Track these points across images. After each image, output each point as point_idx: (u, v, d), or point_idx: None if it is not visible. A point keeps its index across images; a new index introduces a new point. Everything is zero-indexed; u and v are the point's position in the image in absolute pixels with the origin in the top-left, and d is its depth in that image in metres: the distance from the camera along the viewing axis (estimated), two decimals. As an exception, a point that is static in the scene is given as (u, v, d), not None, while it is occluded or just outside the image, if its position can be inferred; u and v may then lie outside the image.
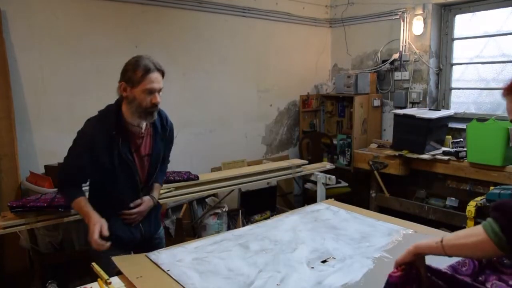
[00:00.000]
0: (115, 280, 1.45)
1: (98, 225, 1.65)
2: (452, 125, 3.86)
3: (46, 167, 2.90)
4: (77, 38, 3.18)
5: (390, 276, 1.08)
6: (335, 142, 4.56)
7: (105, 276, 1.43)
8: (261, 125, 4.52)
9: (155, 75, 1.77)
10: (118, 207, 1.84)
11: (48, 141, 3.10)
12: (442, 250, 1.04)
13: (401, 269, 1.09)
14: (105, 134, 1.74)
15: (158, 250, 1.72)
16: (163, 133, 1.96)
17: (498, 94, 3.79)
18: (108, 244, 1.65)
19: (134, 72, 1.74)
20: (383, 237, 1.77)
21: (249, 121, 4.38)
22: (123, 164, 1.78)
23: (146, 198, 1.93)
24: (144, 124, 1.86)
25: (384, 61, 4.36)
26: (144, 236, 1.95)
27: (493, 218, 0.95)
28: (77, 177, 1.83)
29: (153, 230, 2.02)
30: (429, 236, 1.16)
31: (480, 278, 1.14)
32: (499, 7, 3.65)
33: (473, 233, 0.98)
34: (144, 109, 1.76)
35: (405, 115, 3.70)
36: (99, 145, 1.74)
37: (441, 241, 1.03)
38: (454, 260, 1.16)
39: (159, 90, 1.80)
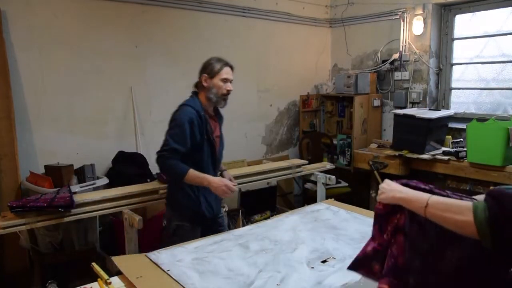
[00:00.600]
0: (115, 280, 1.45)
1: (221, 179, 2.15)
2: (452, 125, 3.86)
3: (46, 167, 2.90)
4: (77, 38, 3.18)
5: (376, 208, 1.21)
6: (335, 142, 4.56)
7: (105, 276, 1.43)
8: (261, 125, 4.52)
9: (228, 69, 2.27)
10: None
11: (48, 141, 3.11)
12: (423, 214, 1.02)
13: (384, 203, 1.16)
14: (197, 115, 2.17)
15: (158, 250, 1.72)
16: (221, 121, 2.43)
17: (498, 94, 3.80)
18: (236, 188, 2.24)
19: (214, 66, 2.24)
20: (383, 237, 1.77)
21: (249, 121, 4.38)
22: (208, 140, 2.21)
23: (228, 175, 2.44)
24: (223, 106, 2.32)
25: (384, 61, 4.36)
26: (215, 213, 2.33)
27: (487, 204, 0.91)
28: (182, 152, 2.12)
29: (219, 207, 2.40)
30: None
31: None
32: (499, 7, 3.65)
33: (461, 211, 0.94)
34: (221, 95, 2.24)
35: (405, 115, 3.70)
36: (195, 124, 2.15)
37: (426, 206, 1.01)
38: None
39: (231, 81, 2.28)
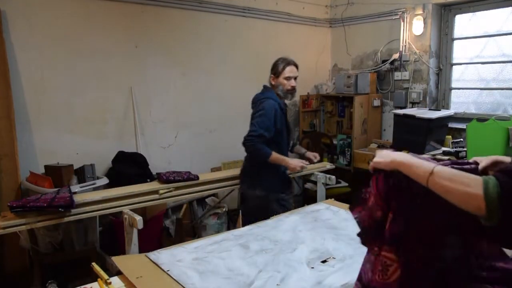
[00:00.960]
0: (115, 280, 1.45)
1: (296, 160, 2.66)
2: (452, 125, 3.86)
3: (46, 167, 2.90)
4: (77, 38, 3.18)
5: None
6: (335, 142, 4.55)
7: (105, 276, 1.43)
8: (261, 125, 4.51)
9: (291, 67, 2.68)
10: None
11: (48, 141, 3.11)
12: (426, 183, 0.93)
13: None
14: (278, 106, 2.63)
15: (158, 250, 1.72)
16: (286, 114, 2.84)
17: (498, 94, 3.80)
18: (306, 166, 2.77)
19: (278, 66, 2.69)
20: (383, 237, 1.77)
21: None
22: (287, 127, 2.71)
23: (309, 154, 3.03)
24: (290, 100, 2.86)
25: (384, 61, 4.36)
26: (289, 190, 2.88)
27: (498, 180, 0.84)
28: (266, 138, 2.57)
29: (291, 187, 3.03)
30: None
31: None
32: (499, 7, 3.65)
33: (470, 183, 0.86)
34: (286, 91, 2.69)
35: (405, 115, 3.70)
36: (277, 113, 2.60)
37: (431, 173, 0.92)
38: None
39: (295, 78, 2.70)
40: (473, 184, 0.86)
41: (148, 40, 3.55)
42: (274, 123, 2.58)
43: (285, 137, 2.72)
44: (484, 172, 1.07)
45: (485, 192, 0.83)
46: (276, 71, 2.69)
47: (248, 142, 2.58)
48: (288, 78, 2.66)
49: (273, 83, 2.72)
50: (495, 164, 1.06)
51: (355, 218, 1.15)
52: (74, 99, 3.22)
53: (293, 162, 2.65)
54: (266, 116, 2.57)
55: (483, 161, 1.09)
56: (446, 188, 0.90)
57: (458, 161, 1.09)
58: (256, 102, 2.71)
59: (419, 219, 1.02)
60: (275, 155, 2.57)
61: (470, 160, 1.14)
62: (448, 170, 0.92)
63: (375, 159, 1.08)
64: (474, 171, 1.05)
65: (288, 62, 2.67)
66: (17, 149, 2.83)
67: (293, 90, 2.70)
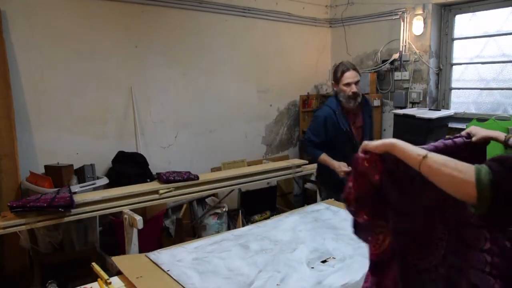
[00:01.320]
0: (115, 280, 1.45)
1: (341, 164, 2.63)
2: (452, 125, 3.86)
3: (46, 167, 2.90)
4: (77, 38, 3.18)
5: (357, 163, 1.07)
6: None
7: (105, 276, 1.43)
8: (261, 125, 4.52)
9: (349, 73, 2.64)
10: (342, 161, 2.67)
11: (48, 141, 3.11)
12: (418, 166, 0.94)
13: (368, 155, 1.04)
14: (332, 113, 2.69)
15: (158, 250, 1.72)
16: (368, 111, 2.87)
17: (498, 94, 3.80)
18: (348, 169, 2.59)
19: (337, 73, 2.69)
20: (383, 237, 1.77)
21: (249, 121, 4.38)
22: (342, 131, 2.70)
23: None
24: (355, 105, 2.69)
25: (384, 61, 4.36)
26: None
27: (490, 168, 0.84)
28: (317, 142, 2.73)
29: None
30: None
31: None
32: (499, 7, 3.65)
33: (462, 170, 0.87)
34: (348, 97, 2.64)
35: (405, 115, 3.70)
36: (328, 120, 2.69)
37: (425, 157, 0.92)
38: None
39: (356, 82, 2.65)
40: (466, 171, 0.86)
41: (148, 40, 3.55)
42: (325, 129, 2.69)
43: (342, 141, 2.73)
44: (477, 143, 1.13)
45: (477, 179, 0.83)
46: (335, 77, 2.70)
47: (302, 145, 2.86)
48: (347, 85, 2.63)
49: (335, 89, 2.75)
50: (487, 140, 1.11)
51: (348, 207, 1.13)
52: (74, 99, 3.22)
53: (338, 165, 2.67)
54: (315, 122, 2.76)
55: (477, 134, 1.14)
56: (438, 172, 0.90)
57: (449, 136, 1.12)
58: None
59: (406, 208, 1.04)
60: (323, 157, 2.72)
61: (463, 133, 1.17)
62: (441, 156, 0.93)
63: (365, 142, 1.08)
64: (467, 144, 1.11)
65: (346, 68, 2.65)
66: (17, 149, 2.83)
67: (355, 95, 2.65)
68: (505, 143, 1.20)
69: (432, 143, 1.07)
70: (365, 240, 1.15)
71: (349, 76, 2.63)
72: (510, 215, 0.87)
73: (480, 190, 0.82)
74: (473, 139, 1.14)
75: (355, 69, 2.69)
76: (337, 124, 2.69)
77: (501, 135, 1.16)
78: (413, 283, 1.04)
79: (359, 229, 1.17)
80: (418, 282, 1.03)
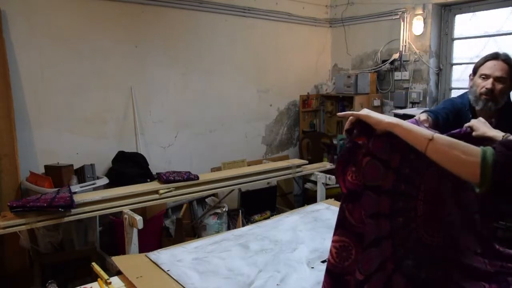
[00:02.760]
0: (115, 280, 1.45)
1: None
2: (452, 125, 3.86)
3: (46, 167, 2.90)
4: (77, 38, 3.18)
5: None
6: (335, 142, 4.55)
7: (105, 276, 1.43)
8: (261, 125, 4.52)
9: (494, 63, 1.84)
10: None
11: (48, 141, 3.11)
12: (424, 148, 0.95)
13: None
14: (461, 107, 1.97)
15: (158, 250, 1.72)
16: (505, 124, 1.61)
17: (498, 94, 3.80)
18: None
19: (478, 62, 1.92)
20: (383, 237, 1.76)
21: (249, 121, 4.38)
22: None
23: None
24: (484, 109, 1.88)
25: (384, 61, 4.36)
26: None
27: (495, 150, 0.89)
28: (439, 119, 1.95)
29: None
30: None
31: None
32: (499, 7, 3.65)
33: (468, 151, 0.91)
34: (478, 94, 1.86)
35: (405, 115, 3.69)
36: (455, 112, 1.94)
37: (431, 139, 0.94)
38: None
39: (496, 78, 1.83)
40: (471, 152, 0.91)
41: (148, 40, 3.55)
42: (451, 118, 1.93)
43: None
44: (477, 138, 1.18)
45: (482, 159, 0.88)
46: (474, 67, 1.95)
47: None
48: (484, 77, 1.86)
49: (470, 84, 1.99)
50: (486, 139, 1.17)
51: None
52: (74, 99, 3.22)
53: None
54: (444, 106, 2.02)
55: (478, 130, 1.20)
56: (445, 153, 0.93)
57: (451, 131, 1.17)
58: None
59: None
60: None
61: (466, 125, 1.25)
62: (447, 138, 0.96)
63: (363, 112, 1.09)
64: (468, 135, 1.17)
65: (492, 57, 1.86)
66: (17, 149, 2.83)
67: (487, 94, 1.83)
68: None
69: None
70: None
71: (491, 66, 1.84)
72: (507, 194, 0.93)
73: (483, 169, 0.87)
74: (473, 134, 1.21)
75: (506, 60, 1.84)
76: (461, 119, 1.92)
77: (499, 134, 1.22)
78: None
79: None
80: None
